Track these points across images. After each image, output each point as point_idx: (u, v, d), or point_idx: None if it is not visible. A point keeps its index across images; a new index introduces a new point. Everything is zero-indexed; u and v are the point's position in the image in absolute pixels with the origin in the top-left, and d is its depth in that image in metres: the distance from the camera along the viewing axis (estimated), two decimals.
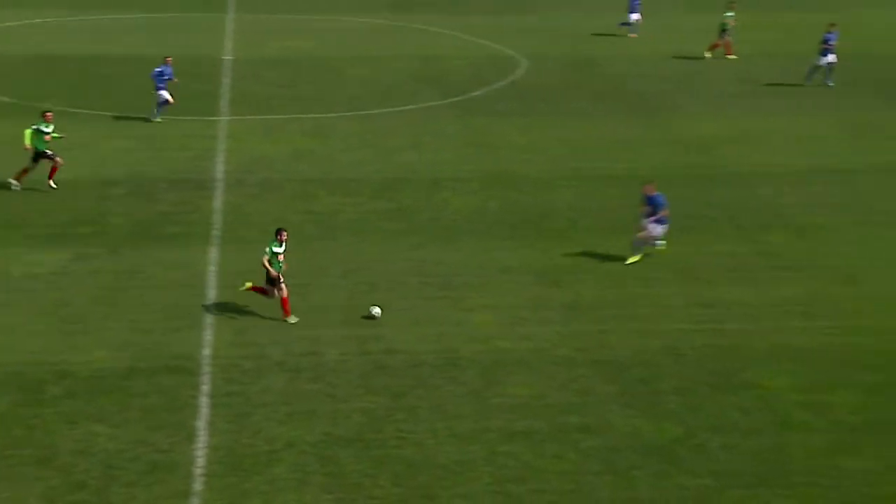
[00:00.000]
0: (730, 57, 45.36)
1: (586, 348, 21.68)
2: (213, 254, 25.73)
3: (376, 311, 22.65)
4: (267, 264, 22.07)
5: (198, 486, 17.29)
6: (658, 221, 25.21)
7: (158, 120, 35.08)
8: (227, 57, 44.10)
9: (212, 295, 23.60)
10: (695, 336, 22.26)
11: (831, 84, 40.47)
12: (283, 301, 22.45)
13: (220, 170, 31.48)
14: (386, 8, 54.25)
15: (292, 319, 22.49)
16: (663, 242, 25.65)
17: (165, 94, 34.75)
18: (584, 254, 26.14)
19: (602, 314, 23.18)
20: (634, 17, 49.24)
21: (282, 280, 22.33)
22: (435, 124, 36.46)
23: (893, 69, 42.62)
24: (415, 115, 37.40)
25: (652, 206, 25.25)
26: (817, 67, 40.69)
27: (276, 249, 22.16)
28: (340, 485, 17.45)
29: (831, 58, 40.31)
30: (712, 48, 45.65)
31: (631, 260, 25.34)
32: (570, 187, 30.82)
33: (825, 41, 40.40)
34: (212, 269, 24.85)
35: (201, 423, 18.91)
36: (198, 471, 17.64)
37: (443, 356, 21.40)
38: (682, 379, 20.66)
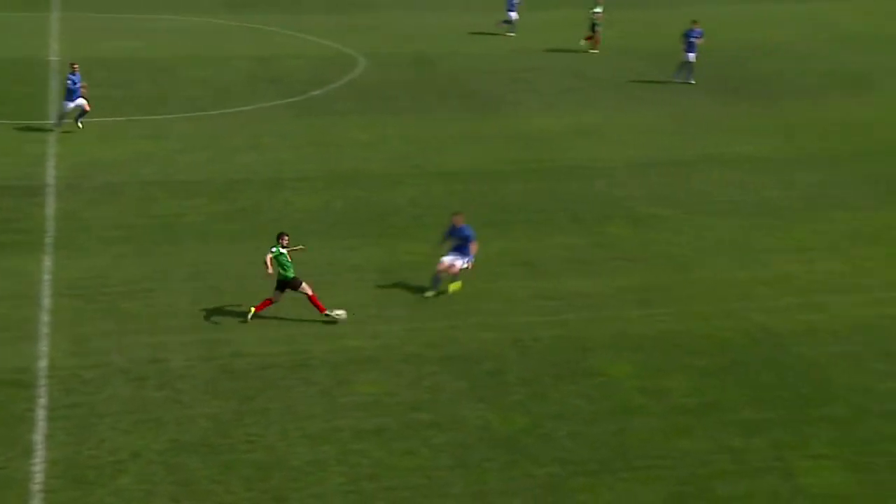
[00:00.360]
0: (593, 51, 46.51)
1: (434, 344, 21.94)
2: (47, 262, 24.96)
3: (340, 313, 22.37)
4: (269, 262, 21.83)
5: (36, 502, 16.79)
6: (461, 253, 23.73)
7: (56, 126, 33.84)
8: (54, 58, 42.71)
9: (47, 304, 22.90)
10: (539, 328, 22.79)
11: (691, 81, 41.47)
12: (312, 299, 22.27)
13: (51, 175, 30.52)
14: (221, 7, 53.50)
15: (339, 312, 22.33)
16: (458, 284, 23.98)
17: (72, 104, 33.61)
18: (428, 250, 26.40)
19: (448, 310, 23.48)
20: (513, 15, 49.79)
21: (301, 281, 22.17)
22: (275, 124, 36.20)
23: (722, 64, 44.38)
24: (254, 116, 37.04)
25: (459, 238, 23.80)
26: (685, 64, 41.60)
27: (281, 251, 22.03)
28: (190, 492, 17.21)
29: (692, 56, 41.30)
30: (588, 39, 46.91)
31: (429, 294, 23.73)
32: (412, 184, 31.08)
33: (688, 37, 41.43)
34: (46, 278, 24.11)
35: (38, 437, 18.35)
36: (36, 487, 17.12)
37: (292, 357, 21.32)
38: (528, 370, 21.13)
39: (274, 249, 22.12)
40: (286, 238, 22.30)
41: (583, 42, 46.90)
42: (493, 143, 34.94)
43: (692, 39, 41.21)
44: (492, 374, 20.98)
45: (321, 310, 22.47)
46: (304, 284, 22.41)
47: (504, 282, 24.78)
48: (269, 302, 22.45)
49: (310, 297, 22.46)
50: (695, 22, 41.70)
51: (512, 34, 49.47)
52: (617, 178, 31.92)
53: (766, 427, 19.23)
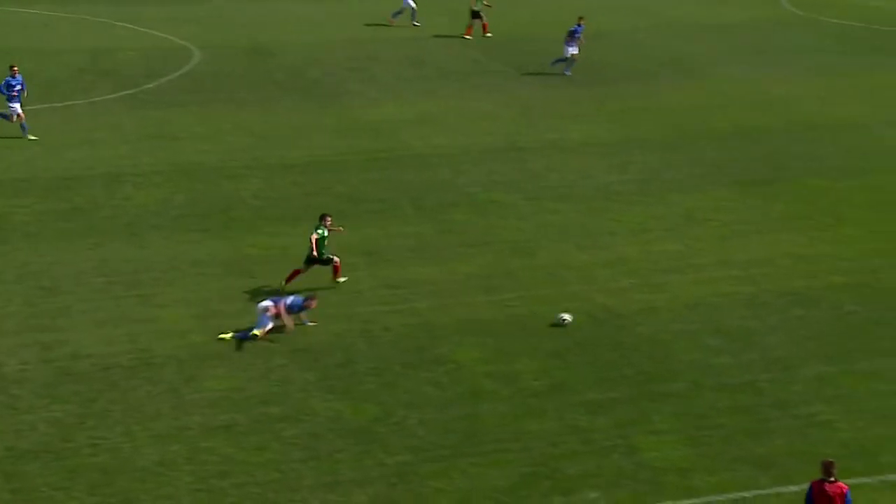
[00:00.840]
0: (487, 35, 47.10)
1: (283, 337, 21.69)
2: None
3: (565, 317, 22.47)
4: (314, 243, 23.03)
5: None
6: (292, 308, 21.68)
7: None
8: None
9: None
10: (387, 317, 22.80)
11: (568, 74, 41.87)
12: (335, 269, 23.68)
13: None
14: None
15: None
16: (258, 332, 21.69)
17: (16, 108, 32.17)
18: (273, 242, 26.11)
19: None
20: (408, 3, 49.26)
21: (331, 258, 23.48)
22: (108, 118, 35.14)
23: (557, 52, 45.23)
24: (85, 110, 35.86)
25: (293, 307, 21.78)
26: (565, 57, 41.83)
27: (324, 234, 23.23)
28: (29, 500, 16.60)
29: (574, 50, 41.78)
30: (470, 29, 47.15)
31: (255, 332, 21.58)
32: (254, 176, 30.64)
33: (572, 33, 41.78)
34: None
35: None
36: None
37: (136, 357, 20.76)
38: (377, 360, 21.12)
39: (320, 230, 23.20)
40: (329, 219, 23.50)
41: (467, 36, 47.10)
42: (335, 133, 34.75)
43: (576, 35, 41.69)
44: (341, 365, 20.89)
45: (336, 274, 23.78)
46: (335, 259, 23.65)
47: (350, 272, 24.67)
48: (298, 272, 23.42)
49: (335, 268, 23.71)
50: (581, 18, 42.19)
51: (395, 22, 49.06)
52: (459, 165, 32.19)
53: (611, 406, 19.74)
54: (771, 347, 21.77)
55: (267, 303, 21.68)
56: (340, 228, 24.37)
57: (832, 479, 15.14)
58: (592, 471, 17.86)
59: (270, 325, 21.52)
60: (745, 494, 17.25)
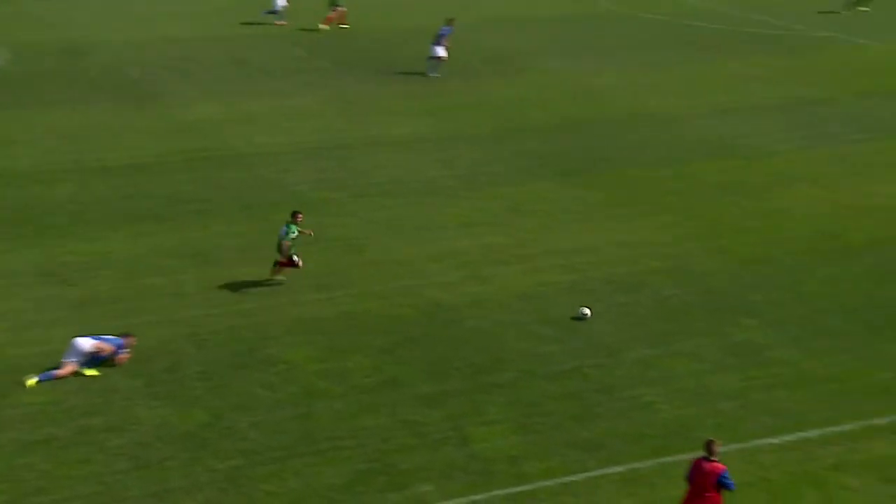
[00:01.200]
0: (343, 26, 47.62)
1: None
2: None
3: (586, 311, 22.59)
4: (288, 247, 23.44)
5: None
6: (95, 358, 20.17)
7: None
8: None
9: None
10: (215, 320, 22.31)
11: (435, 75, 41.42)
12: (291, 265, 23.76)
13: None
14: None
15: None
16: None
17: None
18: (92, 248, 25.20)
19: (118, 308, 22.51)
20: (281, 3, 48.72)
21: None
22: None
23: (376, 48, 45.23)
24: None
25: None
26: (433, 58, 41.47)
27: (295, 231, 23.51)
28: None
29: (441, 51, 41.44)
30: (328, 21, 47.41)
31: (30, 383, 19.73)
32: (69, 180, 29.54)
33: (440, 35, 41.43)
34: None
35: None
36: None
37: None
38: (205, 363, 20.64)
39: (293, 227, 23.46)
40: (300, 216, 23.76)
41: (323, 26, 47.58)
42: (154, 134, 33.82)
43: (444, 36, 41.53)
44: (168, 371, 20.31)
45: (275, 272, 23.95)
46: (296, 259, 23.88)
47: (175, 276, 24.06)
48: (284, 265, 23.80)
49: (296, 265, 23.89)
50: (450, 20, 42.05)
51: (281, 23, 48.54)
52: (284, 164, 31.80)
53: (443, 398, 19.83)
54: (596, 334, 22.28)
55: (83, 340, 20.04)
56: (310, 232, 24.36)
57: (712, 458, 15.45)
58: (425, 464, 17.90)
59: (72, 368, 19.78)
60: (574, 478, 17.60)
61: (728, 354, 21.48)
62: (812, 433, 18.70)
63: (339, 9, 48.38)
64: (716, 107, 38.00)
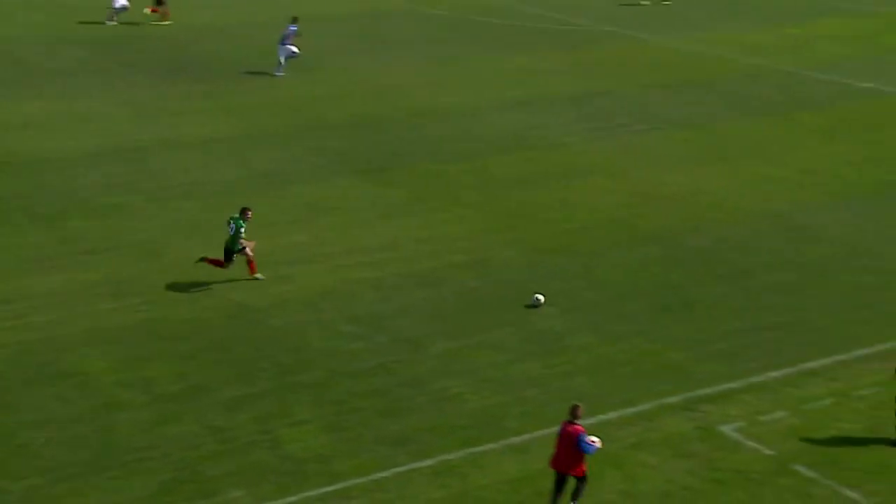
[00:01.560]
0: (165, 23, 46.73)
1: None
2: None
3: (540, 298, 22.91)
4: (245, 242, 23.54)
5: None
6: None
7: None
8: None
9: None
10: (2, 334, 21.31)
11: (280, 74, 40.48)
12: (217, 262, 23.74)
13: None
14: None
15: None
16: None
17: None
18: None
19: None
20: (120, 2, 47.10)
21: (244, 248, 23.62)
22: None
23: (165, 47, 44.09)
24: None
25: None
26: (280, 59, 40.51)
27: (243, 227, 23.54)
28: None
29: (293, 48, 40.48)
30: (154, 11, 46.73)
31: None
32: None
33: (286, 34, 40.53)
34: None
35: None
36: None
37: None
38: None
39: (240, 222, 23.54)
40: (250, 213, 23.93)
41: (147, 11, 46.86)
42: None
43: (289, 34, 40.69)
44: None
45: (252, 271, 24.04)
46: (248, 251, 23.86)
47: None
48: (219, 263, 23.77)
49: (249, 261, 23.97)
50: (295, 18, 41.20)
51: (112, 22, 47.23)
52: (71, 169, 30.63)
53: (250, 401, 19.57)
54: (400, 329, 22.45)
55: None
56: (252, 242, 24.10)
57: (575, 421, 16.33)
58: (235, 469, 17.63)
59: None
60: (385, 474, 17.69)
61: (529, 343, 22.05)
62: (611, 415, 19.43)
63: (162, 7, 47.34)
64: (507, 100, 38.84)
